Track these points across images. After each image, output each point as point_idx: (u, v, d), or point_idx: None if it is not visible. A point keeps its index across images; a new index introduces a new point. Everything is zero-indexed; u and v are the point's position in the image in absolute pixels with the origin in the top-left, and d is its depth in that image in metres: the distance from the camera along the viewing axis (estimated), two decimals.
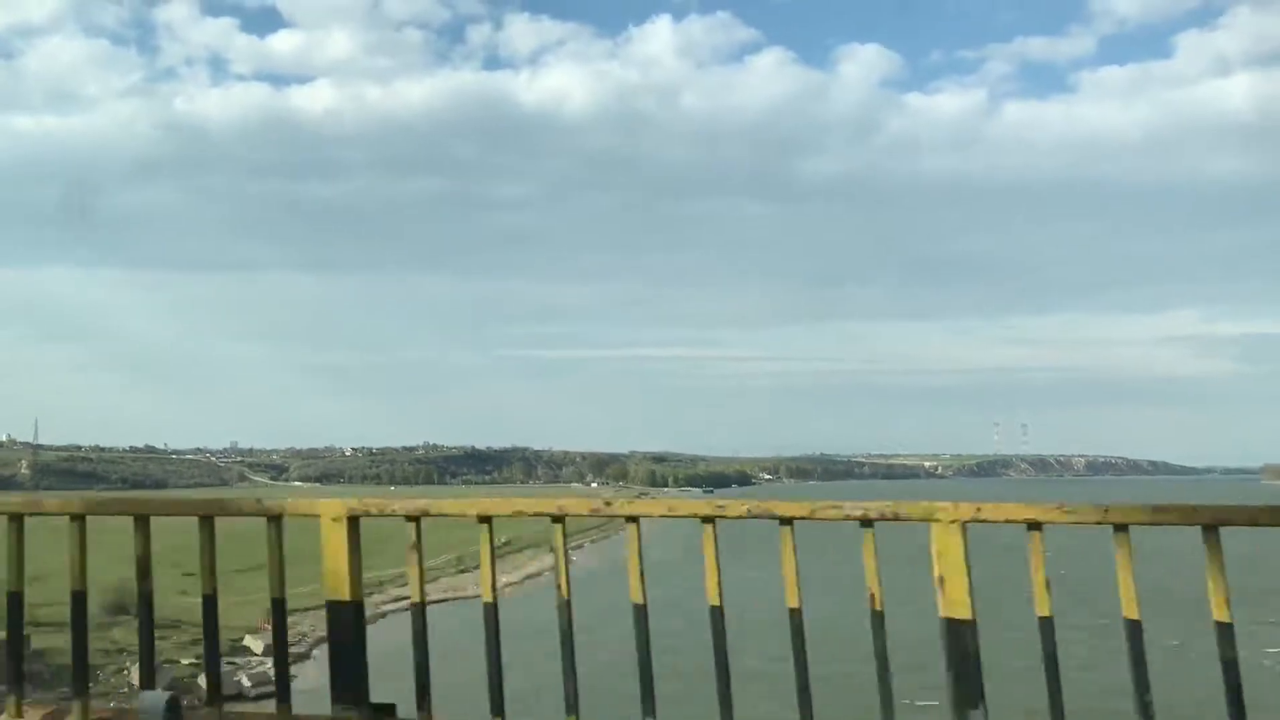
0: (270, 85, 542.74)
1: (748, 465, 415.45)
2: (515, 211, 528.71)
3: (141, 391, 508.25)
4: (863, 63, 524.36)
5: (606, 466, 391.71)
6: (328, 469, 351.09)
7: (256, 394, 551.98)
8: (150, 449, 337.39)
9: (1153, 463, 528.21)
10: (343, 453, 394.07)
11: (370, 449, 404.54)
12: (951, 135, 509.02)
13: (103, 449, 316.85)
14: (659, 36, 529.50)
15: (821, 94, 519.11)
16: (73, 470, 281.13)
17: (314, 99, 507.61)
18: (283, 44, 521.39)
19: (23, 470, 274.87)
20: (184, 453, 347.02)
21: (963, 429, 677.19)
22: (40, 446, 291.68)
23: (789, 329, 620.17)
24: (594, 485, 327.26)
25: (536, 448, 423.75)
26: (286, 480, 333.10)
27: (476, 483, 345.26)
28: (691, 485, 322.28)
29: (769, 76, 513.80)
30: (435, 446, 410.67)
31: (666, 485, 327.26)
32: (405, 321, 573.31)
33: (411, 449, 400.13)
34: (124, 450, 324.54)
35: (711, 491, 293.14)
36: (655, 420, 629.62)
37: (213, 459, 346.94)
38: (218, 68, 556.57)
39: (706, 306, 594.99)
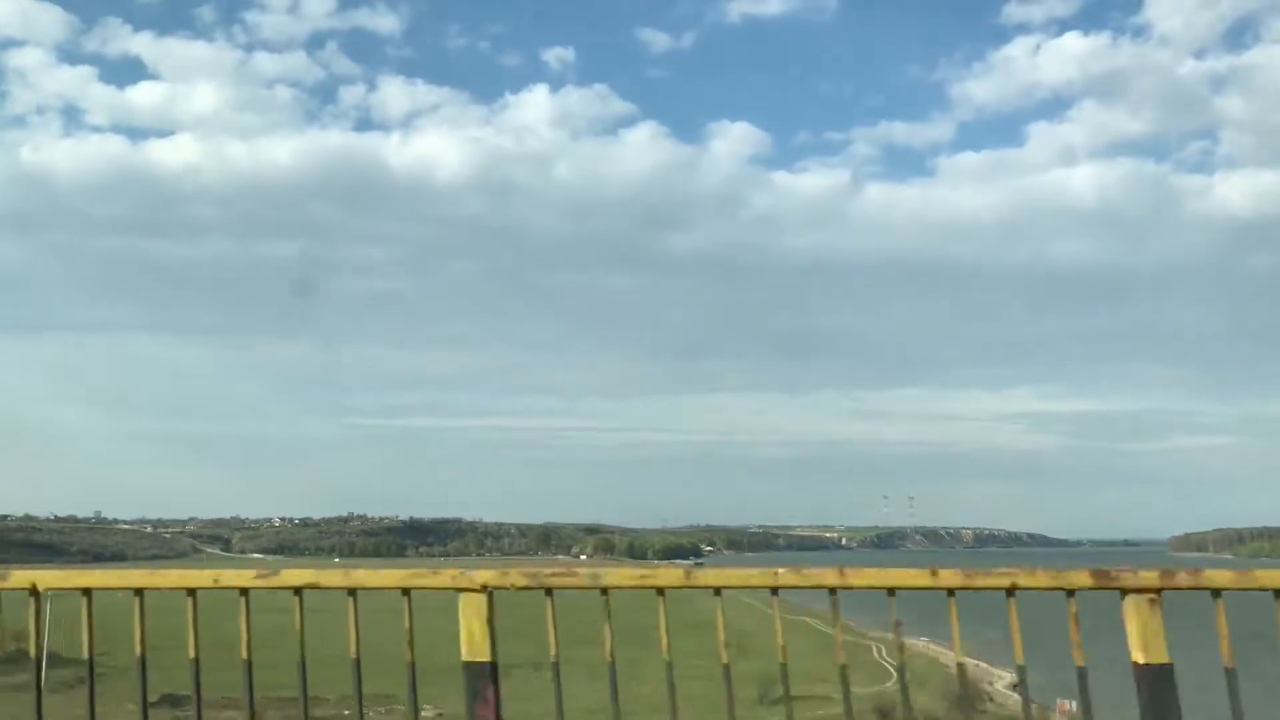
0: (127, 138, 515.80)
1: (683, 536, 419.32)
2: (379, 277, 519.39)
3: None
4: (734, 139, 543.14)
5: (550, 538, 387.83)
6: (282, 541, 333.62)
7: (105, 463, 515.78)
8: (82, 520, 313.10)
9: (1031, 535, 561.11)
10: (271, 523, 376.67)
11: (293, 520, 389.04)
12: (815, 214, 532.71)
13: (59, 518, 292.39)
14: (535, 105, 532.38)
15: (692, 169, 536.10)
16: (30, 541, 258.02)
17: (173, 154, 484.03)
18: (144, 96, 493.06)
19: None
20: (124, 523, 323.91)
21: (846, 500, 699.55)
22: None
23: (650, 400, 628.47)
24: (583, 557, 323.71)
25: (468, 518, 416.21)
26: (243, 553, 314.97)
27: (431, 555, 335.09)
28: (665, 558, 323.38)
29: (642, 150, 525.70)
30: (364, 517, 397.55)
31: (646, 556, 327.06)
32: (258, 387, 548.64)
33: (345, 520, 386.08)
34: (60, 519, 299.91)
35: (700, 562, 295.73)
36: (543, 490, 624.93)
37: (155, 530, 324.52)
38: (72, 118, 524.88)
39: (570, 377, 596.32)
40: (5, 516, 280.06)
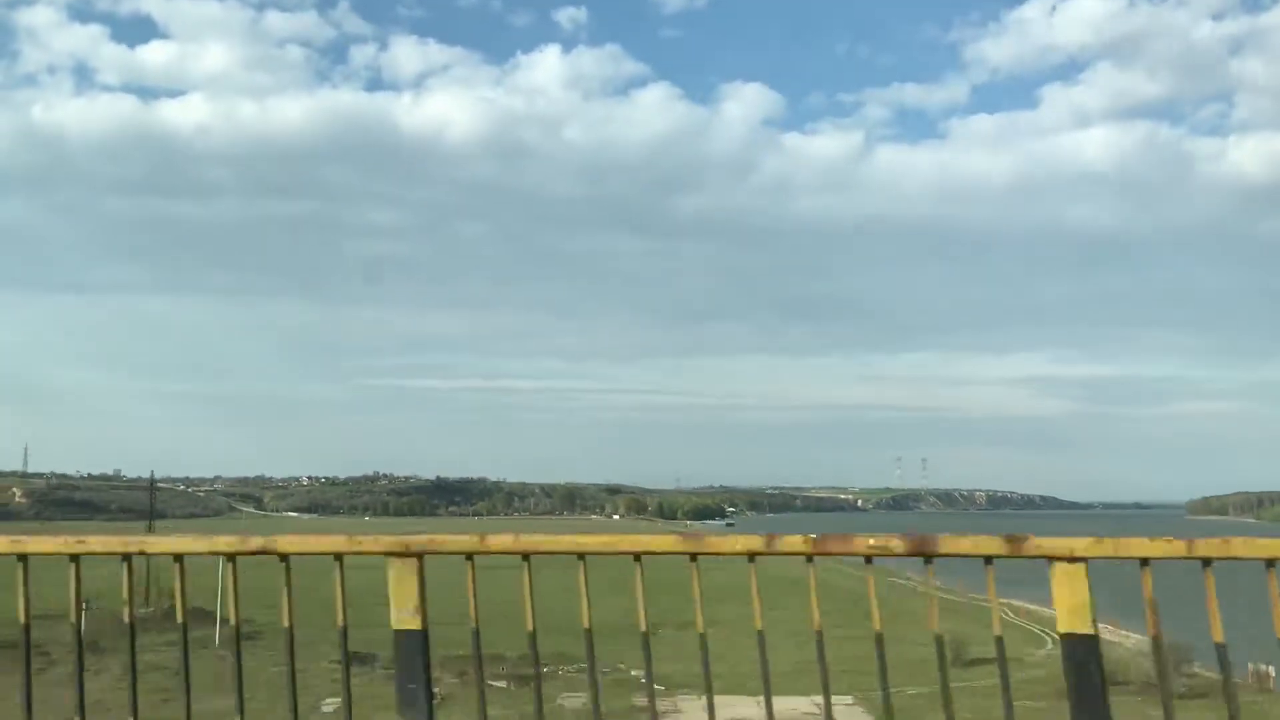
0: (138, 97, 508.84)
1: (703, 497, 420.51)
2: (388, 239, 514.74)
3: None
4: (746, 101, 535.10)
5: (575, 499, 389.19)
6: (314, 500, 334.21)
7: (120, 422, 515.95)
8: (111, 477, 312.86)
9: (1044, 498, 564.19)
10: (300, 482, 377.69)
11: (320, 479, 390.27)
12: (826, 177, 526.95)
13: (96, 477, 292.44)
14: (547, 66, 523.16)
15: (704, 131, 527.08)
16: (70, 500, 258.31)
17: (184, 113, 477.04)
18: (155, 55, 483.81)
19: (17, 499, 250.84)
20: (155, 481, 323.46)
21: (859, 462, 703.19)
22: (29, 475, 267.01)
23: (659, 363, 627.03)
24: (615, 517, 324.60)
25: (493, 478, 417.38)
26: (278, 512, 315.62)
27: (461, 514, 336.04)
28: (694, 518, 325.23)
29: (654, 111, 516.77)
30: (391, 476, 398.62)
31: (675, 517, 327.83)
32: (267, 348, 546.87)
33: (373, 479, 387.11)
34: (93, 477, 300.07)
35: (733, 525, 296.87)
36: (555, 450, 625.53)
37: (187, 488, 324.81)
38: (83, 77, 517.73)
39: (579, 339, 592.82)
40: (42, 474, 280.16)
